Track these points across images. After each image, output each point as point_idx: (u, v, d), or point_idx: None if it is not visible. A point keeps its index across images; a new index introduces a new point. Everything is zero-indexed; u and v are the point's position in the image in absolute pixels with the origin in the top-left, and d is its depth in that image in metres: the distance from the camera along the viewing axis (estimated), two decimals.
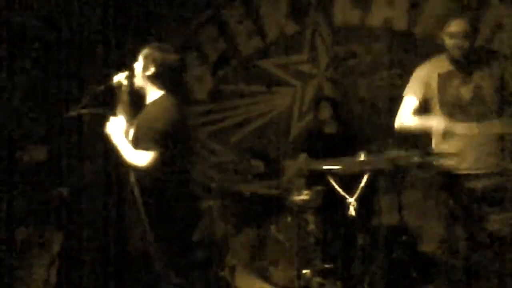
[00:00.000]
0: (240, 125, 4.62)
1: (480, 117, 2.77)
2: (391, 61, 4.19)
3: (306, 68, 4.49)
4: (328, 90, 4.41)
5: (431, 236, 3.78)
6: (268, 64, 4.58)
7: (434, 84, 2.86)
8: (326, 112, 3.99)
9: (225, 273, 3.39)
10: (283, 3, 4.52)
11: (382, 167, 2.92)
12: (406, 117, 2.91)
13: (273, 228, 3.46)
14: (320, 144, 3.94)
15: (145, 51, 2.69)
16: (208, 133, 4.67)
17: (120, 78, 2.69)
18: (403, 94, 2.99)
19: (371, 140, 4.06)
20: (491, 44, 3.92)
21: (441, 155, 2.81)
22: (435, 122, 2.80)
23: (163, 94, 2.66)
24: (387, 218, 3.82)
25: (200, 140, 4.66)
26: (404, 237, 3.81)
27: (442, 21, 2.98)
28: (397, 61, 4.17)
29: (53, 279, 3.45)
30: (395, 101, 4.01)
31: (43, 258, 3.54)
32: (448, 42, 2.79)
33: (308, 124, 4.39)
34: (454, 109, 2.81)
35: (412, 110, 2.90)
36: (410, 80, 2.98)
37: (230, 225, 3.73)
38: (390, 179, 3.66)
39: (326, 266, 3.53)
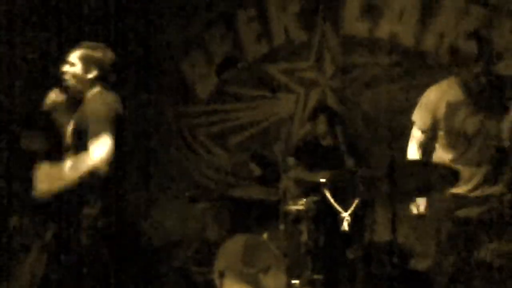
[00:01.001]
0: (240, 128, 4.62)
1: (483, 151, 2.75)
2: (396, 75, 4.18)
3: (310, 75, 4.48)
4: (331, 100, 4.40)
5: (423, 254, 3.78)
6: (273, 69, 4.57)
7: (442, 112, 2.82)
8: (322, 126, 3.98)
9: (214, 277, 3.38)
10: (292, 8, 4.51)
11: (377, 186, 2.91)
12: (410, 151, 2.93)
13: (265, 235, 3.44)
14: (318, 155, 3.93)
15: (80, 53, 2.59)
16: (208, 134, 4.68)
17: (52, 97, 2.61)
18: (412, 118, 2.96)
19: (370, 154, 4.05)
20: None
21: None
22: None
23: (100, 89, 2.58)
24: (380, 233, 3.82)
25: (199, 140, 4.66)
26: (395, 254, 3.81)
27: (449, 38, 2.97)
28: (402, 76, 4.15)
29: (41, 268, 3.45)
30: (397, 116, 4.06)
31: (34, 246, 3.55)
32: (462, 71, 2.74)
33: (308, 133, 4.38)
34: (458, 141, 2.77)
35: (418, 146, 2.92)
36: (418, 105, 2.94)
37: (223, 229, 3.73)
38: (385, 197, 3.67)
39: (316, 277, 3.53)
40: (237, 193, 3.96)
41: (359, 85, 4.31)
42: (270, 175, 4.12)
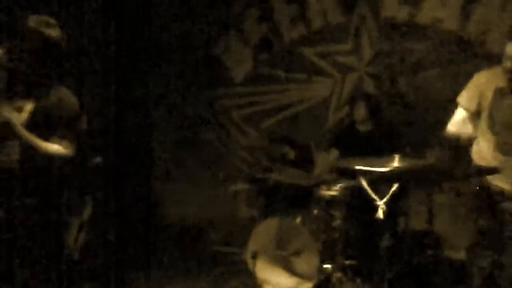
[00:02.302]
0: (275, 110, 4.62)
1: None
2: (436, 61, 4.10)
3: (348, 60, 4.43)
4: (368, 85, 4.35)
5: (459, 243, 3.74)
6: (310, 52, 4.54)
7: (489, 97, 2.81)
8: (361, 112, 3.93)
9: (247, 258, 3.43)
10: None
11: (415, 173, 2.89)
12: (458, 125, 2.91)
13: (299, 219, 3.46)
14: (354, 142, 3.90)
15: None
16: (243, 116, 4.69)
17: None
18: (458, 100, 2.95)
19: (408, 141, 4.00)
20: None
21: (482, 170, 2.76)
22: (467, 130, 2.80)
23: None
24: (415, 221, 3.80)
25: (234, 122, 4.68)
26: (430, 242, 3.80)
27: (495, 26, 2.90)
28: (443, 63, 4.07)
29: (81, 242, 3.55)
30: (436, 103, 3.99)
31: (73, 222, 3.65)
32: (507, 63, 2.69)
33: (343, 118, 4.35)
34: (502, 129, 2.74)
35: (463, 121, 2.89)
36: (466, 88, 2.92)
37: (256, 211, 3.77)
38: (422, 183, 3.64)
39: (348, 262, 3.54)
40: (271, 176, 3.97)
41: (397, 71, 4.25)
42: (305, 159, 4.13)
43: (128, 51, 4.39)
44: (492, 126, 2.78)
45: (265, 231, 3.46)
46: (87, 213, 3.45)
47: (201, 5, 4.76)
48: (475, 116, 2.90)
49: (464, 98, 2.92)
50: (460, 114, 2.94)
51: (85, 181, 3.67)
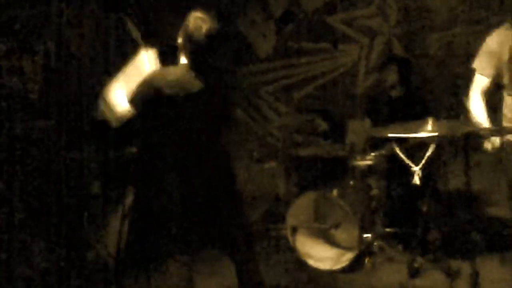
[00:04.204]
0: (303, 83, 4.58)
1: None
2: (467, 17, 3.94)
3: (374, 23, 4.32)
4: (396, 48, 4.24)
5: (500, 200, 3.67)
6: (334, 20, 4.45)
7: (505, 58, 2.67)
8: (393, 76, 3.83)
9: (287, 233, 3.47)
10: None
11: (450, 135, 2.82)
12: (474, 99, 2.80)
13: (335, 191, 3.46)
14: (386, 108, 3.83)
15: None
16: (271, 91, 4.67)
17: None
18: (473, 66, 2.83)
19: (442, 103, 3.91)
20: None
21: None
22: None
23: None
24: (452, 182, 3.74)
25: (263, 98, 4.67)
26: (469, 202, 3.73)
27: None
28: (474, 18, 3.91)
29: (126, 230, 3.67)
30: (469, 61, 3.85)
31: (116, 211, 3.77)
32: None
33: (374, 84, 4.27)
34: None
35: (481, 91, 2.77)
36: (480, 53, 2.79)
37: (292, 186, 3.78)
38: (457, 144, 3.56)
39: (388, 230, 3.54)
40: (304, 151, 3.97)
41: (426, 31, 4.12)
42: (337, 130, 4.09)
43: None
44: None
45: (303, 205, 3.48)
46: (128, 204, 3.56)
47: None
48: (494, 78, 2.76)
49: (480, 63, 2.78)
50: (478, 82, 2.81)
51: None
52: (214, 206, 2.79)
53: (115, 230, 3.70)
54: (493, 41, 2.75)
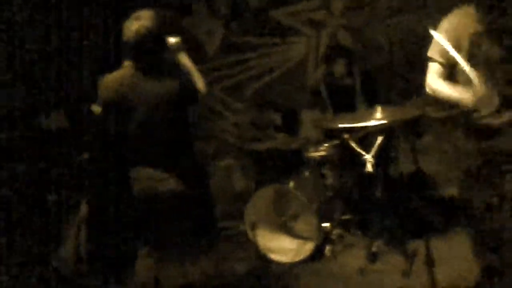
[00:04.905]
0: (254, 78, 4.59)
1: (508, 77, 2.63)
2: (407, 6, 4.05)
3: (319, 16, 4.38)
4: (343, 38, 4.31)
5: (451, 180, 3.79)
6: (280, 14, 4.47)
7: (465, 45, 2.56)
8: (340, 67, 3.91)
9: (246, 229, 3.48)
10: None
11: (398, 122, 2.90)
12: (437, 82, 2.65)
13: (292, 183, 3.50)
14: (336, 97, 3.90)
15: None
16: (223, 88, 4.66)
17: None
18: (428, 54, 2.78)
19: (390, 89, 4.01)
20: None
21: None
22: (467, 96, 2.56)
23: None
24: (404, 166, 3.85)
25: (216, 96, 4.65)
26: (420, 183, 3.86)
27: None
28: (414, 6, 4.02)
29: (84, 237, 3.59)
30: (414, 48, 3.96)
31: (72, 221, 3.69)
32: None
33: (323, 75, 4.33)
34: (483, 72, 2.61)
35: (439, 76, 2.66)
36: (434, 41, 2.61)
37: (250, 181, 3.80)
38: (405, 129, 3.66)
39: (345, 217, 3.61)
40: (259, 146, 3.99)
41: (370, 19, 4.20)
42: (291, 123, 4.14)
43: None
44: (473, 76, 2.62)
45: (261, 200, 3.50)
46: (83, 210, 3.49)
47: None
48: (451, 67, 2.72)
49: (436, 51, 2.65)
50: (434, 70, 2.68)
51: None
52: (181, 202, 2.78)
53: (73, 239, 3.62)
54: (449, 26, 2.59)
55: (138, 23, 2.55)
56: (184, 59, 2.76)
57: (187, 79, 2.70)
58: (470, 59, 2.55)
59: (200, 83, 2.75)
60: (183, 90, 2.65)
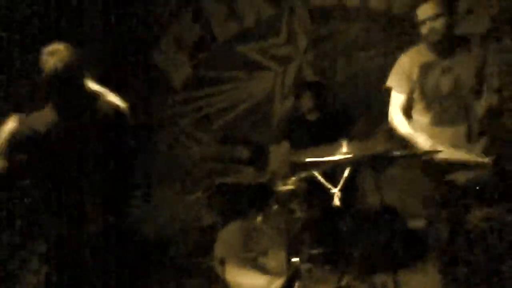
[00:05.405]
0: (222, 111, 4.61)
1: (457, 108, 2.80)
2: (369, 41, 4.17)
3: (285, 51, 4.46)
4: (308, 73, 4.39)
5: (416, 213, 3.85)
6: (246, 49, 4.54)
7: (415, 76, 2.87)
8: (307, 101, 3.97)
9: (215, 265, 3.43)
10: None
11: (364, 157, 2.94)
12: (397, 117, 2.96)
13: (259, 218, 3.48)
14: (303, 131, 3.94)
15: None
16: (190, 122, 4.65)
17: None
18: (387, 85, 3.00)
19: (354, 123, 4.08)
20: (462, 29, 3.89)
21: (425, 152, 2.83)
22: (421, 141, 2.82)
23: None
24: (371, 199, 3.89)
25: (182, 129, 4.63)
26: (387, 216, 3.89)
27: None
28: (376, 41, 4.15)
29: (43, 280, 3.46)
30: (375, 82, 4.06)
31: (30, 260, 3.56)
32: (423, 29, 2.79)
33: (290, 110, 4.39)
34: (434, 101, 2.83)
35: (401, 107, 2.94)
36: (392, 72, 2.98)
37: (218, 216, 3.76)
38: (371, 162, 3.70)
39: (314, 251, 3.60)
40: (228, 179, 3.97)
41: (334, 54, 4.30)
42: (259, 156, 4.14)
43: None
44: (424, 102, 2.86)
45: (229, 235, 3.46)
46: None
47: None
48: (409, 95, 2.95)
49: (394, 81, 2.96)
50: (395, 103, 2.98)
51: None
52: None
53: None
54: (404, 61, 2.93)
55: (53, 58, 2.42)
56: (93, 85, 2.60)
57: (105, 103, 2.56)
58: (420, 87, 2.78)
59: (118, 102, 2.60)
60: (106, 116, 2.51)
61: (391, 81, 2.99)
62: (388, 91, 3.03)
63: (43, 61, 2.44)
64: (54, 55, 2.43)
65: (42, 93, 2.52)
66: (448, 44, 2.82)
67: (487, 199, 2.65)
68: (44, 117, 2.47)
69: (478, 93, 2.83)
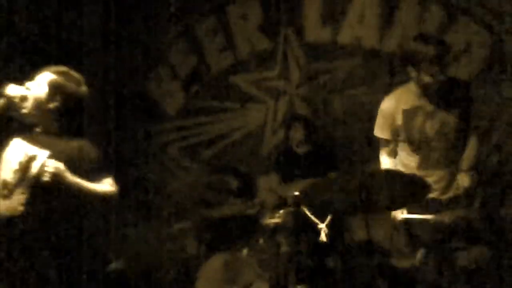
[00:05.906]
0: (212, 141, 4.60)
1: (444, 152, 2.81)
2: (361, 78, 4.22)
3: (278, 84, 4.50)
4: (300, 108, 4.42)
5: (404, 250, 3.82)
6: (240, 80, 4.57)
7: (399, 121, 2.85)
8: (298, 134, 3.99)
9: None
10: (254, 19, 4.52)
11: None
12: (384, 160, 2.96)
13: (245, 251, 3.44)
14: (292, 164, 3.94)
15: (52, 79, 2.33)
16: (180, 150, 4.64)
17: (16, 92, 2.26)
18: (374, 133, 2.98)
19: (344, 158, 4.09)
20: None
21: None
22: None
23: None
24: (358, 235, 3.86)
25: (172, 157, 4.62)
26: (374, 255, 3.86)
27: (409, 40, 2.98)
28: (368, 79, 4.20)
29: None
30: (365, 119, 4.08)
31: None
32: (425, 78, 2.70)
33: (280, 142, 4.39)
34: (420, 145, 2.82)
35: (387, 152, 2.94)
36: (377, 117, 2.96)
37: (203, 247, 3.71)
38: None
39: (299, 287, 3.54)
40: (214, 210, 3.94)
41: (326, 90, 4.34)
42: (247, 188, 4.12)
43: None
44: (411, 146, 2.85)
45: (213, 268, 3.41)
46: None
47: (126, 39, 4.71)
48: (394, 140, 2.91)
49: (379, 130, 2.94)
50: (384, 150, 2.96)
51: None
52: None
53: None
54: (388, 105, 2.90)
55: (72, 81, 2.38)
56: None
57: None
58: (406, 131, 2.78)
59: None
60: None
61: (376, 130, 2.97)
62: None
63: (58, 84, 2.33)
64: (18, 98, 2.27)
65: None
66: (438, 91, 2.80)
67: (474, 239, 2.64)
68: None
69: (464, 131, 2.83)
